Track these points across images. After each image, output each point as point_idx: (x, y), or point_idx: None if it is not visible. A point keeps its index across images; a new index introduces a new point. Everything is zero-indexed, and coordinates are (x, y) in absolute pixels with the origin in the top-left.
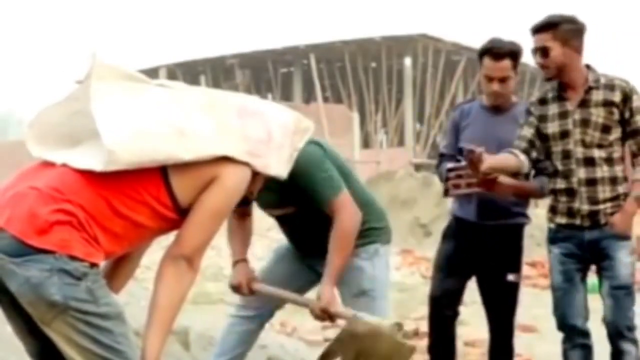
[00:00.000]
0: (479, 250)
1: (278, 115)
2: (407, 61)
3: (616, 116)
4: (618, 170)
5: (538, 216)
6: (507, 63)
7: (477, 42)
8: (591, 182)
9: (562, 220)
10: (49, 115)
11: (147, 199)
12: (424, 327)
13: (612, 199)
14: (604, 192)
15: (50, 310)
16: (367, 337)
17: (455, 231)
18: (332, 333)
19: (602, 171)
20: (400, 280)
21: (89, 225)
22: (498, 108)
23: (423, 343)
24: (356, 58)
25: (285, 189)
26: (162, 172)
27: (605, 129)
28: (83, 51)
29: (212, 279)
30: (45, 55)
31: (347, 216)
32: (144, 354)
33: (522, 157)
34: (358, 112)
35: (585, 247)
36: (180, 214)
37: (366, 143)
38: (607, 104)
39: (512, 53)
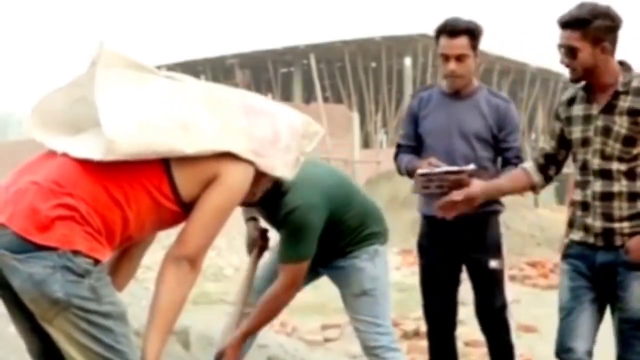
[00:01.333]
0: (456, 246)
1: (286, 117)
2: (407, 61)
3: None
4: (639, 185)
5: (539, 216)
6: (463, 40)
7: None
8: (606, 197)
9: (576, 236)
10: (51, 101)
11: (149, 189)
12: (424, 327)
13: (630, 218)
14: (620, 208)
15: (53, 308)
16: None
17: (428, 237)
18: (332, 333)
19: (620, 185)
20: (400, 280)
21: (91, 217)
22: (458, 94)
23: (423, 343)
24: (356, 58)
25: (276, 222)
26: (164, 164)
27: (628, 141)
28: (83, 51)
29: (212, 279)
30: (45, 55)
31: (288, 285)
32: (144, 354)
33: (537, 178)
34: (358, 112)
35: (596, 269)
36: (182, 208)
37: (366, 143)
38: (633, 112)
39: (469, 30)
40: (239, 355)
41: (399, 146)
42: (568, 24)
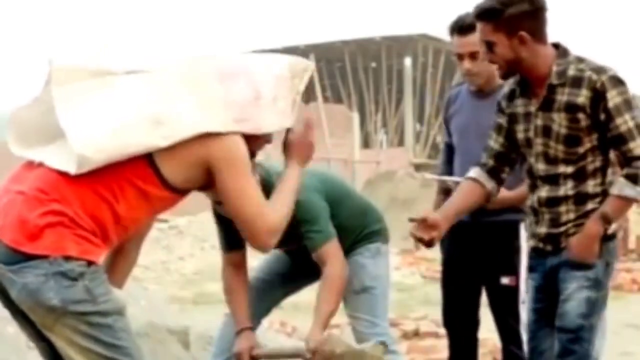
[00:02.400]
0: (474, 253)
1: (266, 68)
2: (407, 61)
3: (584, 122)
4: (591, 185)
5: None
6: (474, 37)
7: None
8: (552, 202)
9: (531, 242)
10: (22, 115)
11: (134, 182)
12: (424, 327)
13: (576, 219)
14: (567, 212)
15: (50, 315)
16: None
17: (449, 239)
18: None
19: (566, 189)
20: (400, 280)
21: (81, 219)
22: (482, 92)
23: (423, 343)
24: (356, 58)
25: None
26: (147, 156)
27: (571, 141)
28: (83, 51)
29: (212, 279)
30: (39, 55)
31: (336, 265)
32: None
33: (489, 185)
34: (358, 112)
35: (548, 276)
36: (173, 192)
37: (366, 143)
38: (570, 108)
39: None
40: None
41: (445, 144)
42: (479, 15)
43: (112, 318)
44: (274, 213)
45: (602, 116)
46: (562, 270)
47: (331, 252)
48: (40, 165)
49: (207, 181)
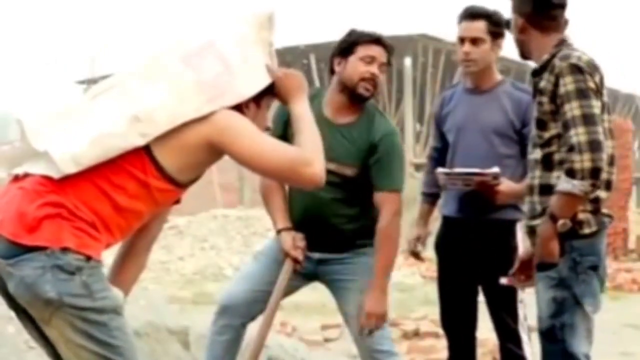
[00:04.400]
0: (470, 252)
1: (228, 33)
2: (407, 61)
3: (547, 107)
4: (554, 176)
5: None
6: (481, 24)
7: None
8: (529, 190)
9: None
10: (4, 150)
11: (133, 173)
12: (424, 327)
13: (542, 214)
14: (536, 204)
15: (47, 308)
16: None
17: (445, 238)
18: (332, 333)
19: (533, 177)
20: (400, 280)
21: (80, 211)
22: (479, 88)
23: (423, 343)
24: None
25: (367, 145)
26: (144, 147)
27: (539, 125)
28: (82, 51)
29: (212, 279)
30: (43, 54)
31: (396, 211)
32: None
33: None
34: None
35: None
36: (172, 184)
37: None
38: (540, 92)
39: (489, 16)
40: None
41: (432, 149)
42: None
43: (108, 316)
44: (306, 152)
45: (558, 101)
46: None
47: (397, 200)
48: (27, 175)
49: (214, 160)
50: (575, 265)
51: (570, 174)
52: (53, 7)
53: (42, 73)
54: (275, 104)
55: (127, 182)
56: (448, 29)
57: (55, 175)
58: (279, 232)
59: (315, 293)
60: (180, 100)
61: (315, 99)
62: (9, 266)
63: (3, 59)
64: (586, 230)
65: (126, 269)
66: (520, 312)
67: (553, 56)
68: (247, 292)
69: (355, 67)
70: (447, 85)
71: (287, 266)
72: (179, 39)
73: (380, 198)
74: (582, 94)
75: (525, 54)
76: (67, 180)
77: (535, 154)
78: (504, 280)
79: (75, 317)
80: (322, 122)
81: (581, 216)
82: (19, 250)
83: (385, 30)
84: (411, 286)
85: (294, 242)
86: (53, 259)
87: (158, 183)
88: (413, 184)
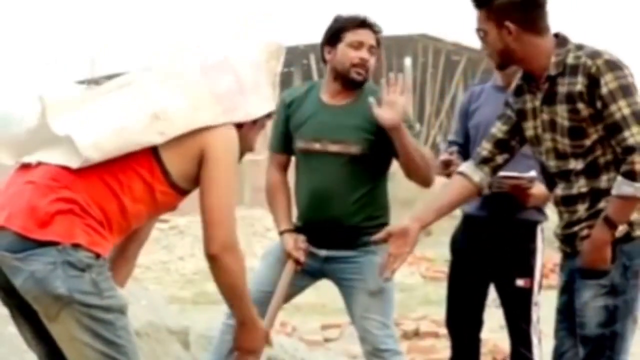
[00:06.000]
0: (488, 251)
1: (243, 55)
2: (407, 61)
3: (585, 112)
4: (604, 180)
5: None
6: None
7: (478, 43)
8: (567, 201)
9: (557, 242)
10: (15, 134)
11: (141, 174)
12: (424, 327)
13: (588, 219)
14: (581, 212)
15: (56, 304)
16: None
17: (463, 235)
18: (332, 333)
19: (578, 187)
20: (400, 280)
21: (91, 208)
22: (509, 86)
23: (423, 343)
24: None
25: (367, 127)
26: (152, 148)
27: (575, 134)
28: (82, 50)
29: (212, 279)
30: (43, 54)
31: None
32: (245, 315)
33: (477, 177)
34: None
35: (571, 278)
36: (174, 189)
37: None
38: (570, 98)
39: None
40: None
41: (450, 143)
42: (475, 3)
43: (114, 315)
44: (233, 237)
45: (599, 104)
46: (577, 277)
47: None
48: (40, 164)
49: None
50: (625, 271)
51: (631, 176)
52: (53, 7)
53: (42, 73)
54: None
55: (134, 183)
56: (448, 29)
57: (74, 164)
58: (281, 233)
59: (315, 293)
60: (195, 107)
61: (312, 89)
62: (18, 260)
63: (3, 59)
64: (638, 232)
65: (116, 275)
66: (534, 314)
67: (564, 57)
68: (253, 293)
69: (344, 54)
70: (452, 84)
71: (289, 267)
72: (198, 49)
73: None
74: (627, 90)
75: (509, 64)
76: (79, 177)
77: (573, 165)
78: (520, 282)
79: (83, 314)
80: (322, 108)
81: (632, 218)
82: (29, 244)
83: (385, 30)
84: (411, 286)
85: (295, 243)
86: (64, 254)
87: (162, 186)
88: (413, 184)
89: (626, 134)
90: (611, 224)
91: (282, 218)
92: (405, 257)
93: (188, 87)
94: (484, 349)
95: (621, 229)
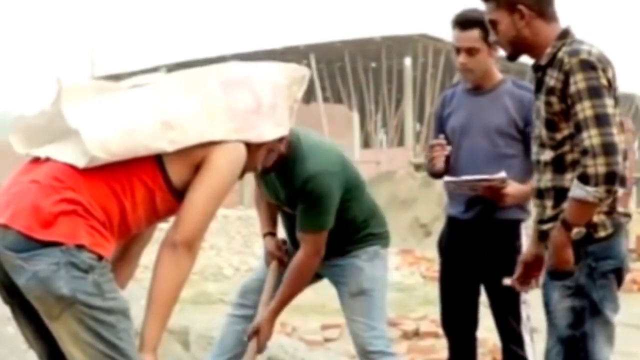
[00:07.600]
0: (474, 252)
1: (266, 76)
2: (407, 61)
3: (557, 107)
4: (568, 179)
5: None
6: (475, 33)
7: None
8: (537, 194)
9: None
10: (28, 122)
11: (143, 179)
12: (424, 327)
13: (554, 218)
14: (548, 208)
15: (58, 304)
16: None
17: (449, 237)
18: (332, 333)
19: (545, 180)
20: (400, 280)
21: (94, 209)
22: (480, 88)
23: (423, 343)
24: (356, 58)
25: (293, 191)
26: (156, 156)
27: (550, 126)
28: (82, 49)
29: (212, 279)
30: (43, 52)
31: (312, 253)
32: (142, 341)
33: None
34: (358, 112)
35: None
36: (175, 196)
37: (366, 143)
38: (548, 90)
39: (481, 22)
40: (273, 329)
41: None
42: None
43: (116, 317)
44: (197, 241)
45: (569, 101)
46: (547, 278)
47: (316, 240)
48: (48, 160)
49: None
50: (591, 272)
51: (584, 179)
52: (53, 7)
53: (42, 73)
54: None
55: (136, 188)
56: (448, 29)
57: (81, 163)
58: (264, 236)
59: (315, 293)
60: (210, 120)
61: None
62: (21, 260)
63: (3, 59)
64: (601, 234)
65: (118, 274)
66: (523, 312)
67: (558, 49)
68: (255, 281)
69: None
70: (447, 85)
71: (273, 266)
72: (221, 64)
73: (299, 235)
74: (594, 92)
75: (520, 52)
76: (84, 177)
77: (544, 155)
78: (507, 281)
79: (85, 315)
80: (266, 177)
81: (595, 219)
82: (33, 244)
83: (385, 30)
84: (411, 286)
85: (276, 244)
86: (68, 255)
87: (163, 193)
88: (413, 184)
89: (584, 135)
90: (567, 226)
91: (264, 222)
92: None
93: (205, 100)
94: (483, 349)
95: (577, 230)
